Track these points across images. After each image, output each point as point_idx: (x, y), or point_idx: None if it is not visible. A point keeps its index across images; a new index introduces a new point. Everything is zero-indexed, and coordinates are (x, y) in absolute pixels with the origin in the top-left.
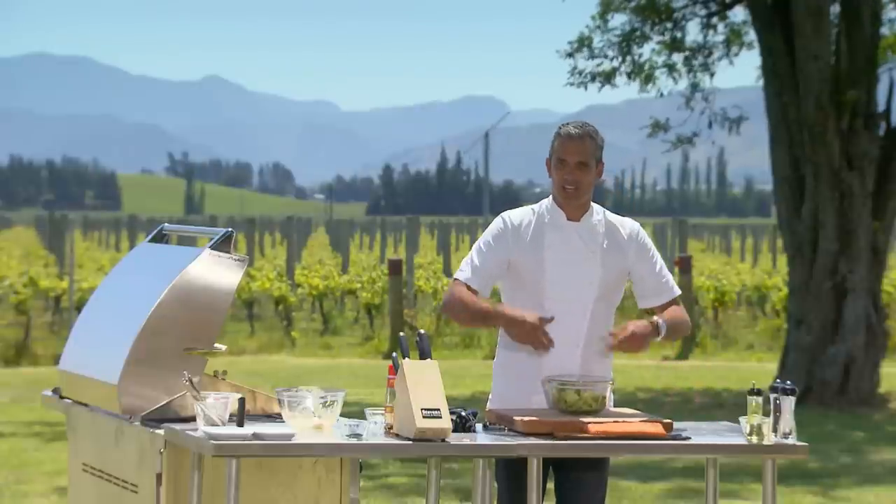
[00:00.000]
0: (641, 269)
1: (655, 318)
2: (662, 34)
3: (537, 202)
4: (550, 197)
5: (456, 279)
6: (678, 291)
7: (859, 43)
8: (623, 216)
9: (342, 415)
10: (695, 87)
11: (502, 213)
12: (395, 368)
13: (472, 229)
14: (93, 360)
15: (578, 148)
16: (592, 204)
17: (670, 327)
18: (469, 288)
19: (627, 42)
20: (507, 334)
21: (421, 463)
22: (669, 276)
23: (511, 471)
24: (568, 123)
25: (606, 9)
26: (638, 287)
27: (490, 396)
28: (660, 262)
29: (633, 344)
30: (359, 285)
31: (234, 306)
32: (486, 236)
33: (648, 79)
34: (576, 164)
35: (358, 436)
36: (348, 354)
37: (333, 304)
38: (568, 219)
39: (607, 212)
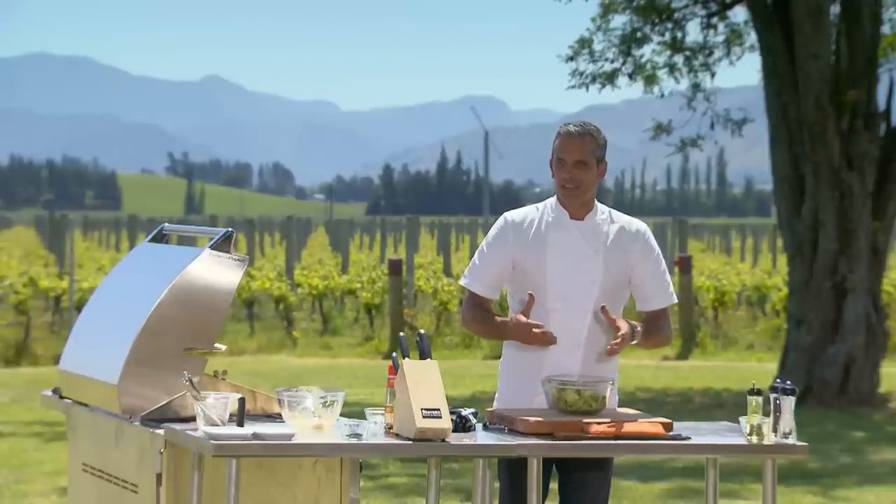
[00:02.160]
0: (643, 270)
1: (636, 323)
2: (663, 35)
3: (541, 202)
4: (555, 197)
5: (463, 286)
6: (675, 300)
7: (859, 43)
8: (631, 216)
9: (342, 415)
10: (696, 87)
11: (505, 213)
12: (395, 368)
13: (472, 229)
14: (93, 360)
15: (577, 146)
16: (598, 203)
17: (647, 335)
18: (475, 295)
19: (628, 43)
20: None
21: (421, 463)
22: (669, 283)
23: (513, 471)
24: (569, 123)
25: (607, 10)
26: (637, 289)
27: (495, 396)
28: (663, 266)
29: (619, 348)
30: (359, 285)
31: (234, 306)
32: (488, 237)
33: (651, 80)
34: (574, 162)
35: (358, 436)
36: (348, 354)
37: (333, 304)
38: (571, 217)
39: (614, 211)
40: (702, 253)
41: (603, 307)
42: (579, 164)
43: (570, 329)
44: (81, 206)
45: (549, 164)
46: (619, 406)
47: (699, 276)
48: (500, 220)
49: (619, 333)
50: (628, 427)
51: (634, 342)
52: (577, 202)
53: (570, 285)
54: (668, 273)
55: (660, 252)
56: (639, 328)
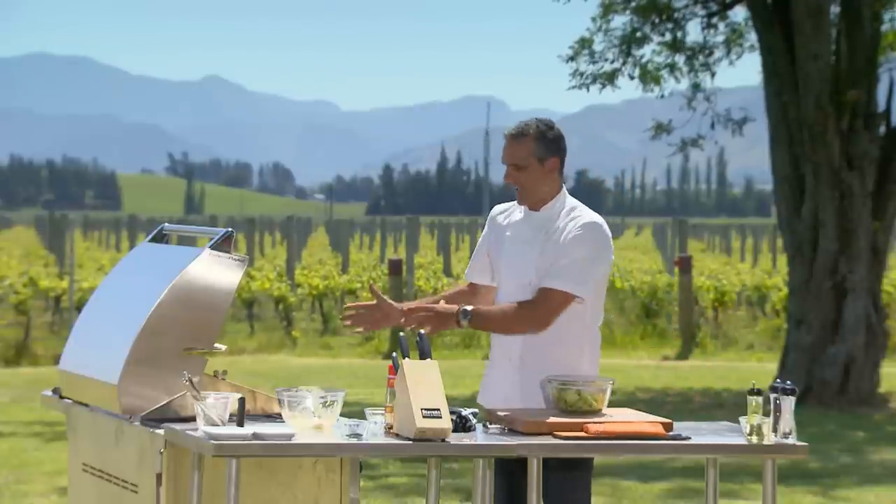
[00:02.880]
0: (558, 251)
1: (467, 307)
2: (663, 35)
3: None
4: None
5: None
6: (566, 288)
7: (859, 43)
8: (593, 212)
9: (342, 415)
10: (696, 87)
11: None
12: (395, 368)
13: (472, 229)
14: (93, 360)
15: (509, 150)
16: (565, 198)
17: (484, 318)
18: (471, 283)
19: (628, 43)
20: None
21: (421, 463)
22: (576, 275)
23: (506, 471)
24: (514, 125)
25: (607, 10)
26: None
27: None
28: (576, 255)
29: (421, 320)
30: (359, 285)
31: (234, 306)
32: None
33: (655, 80)
34: (509, 166)
35: (358, 436)
36: (348, 354)
37: (333, 304)
38: (530, 209)
39: (579, 207)
40: (702, 253)
41: (371, 285)
42: (513, 167)
43: None
44: (81, 206)
45: None
46: (617, 406)
47: (699, 276)
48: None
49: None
50: (628, 427)
51: (465, 326)
52: (527, 201)
53: (512, 273)
54: (583, 268)
55: (590, 246)
56: (464, 315)
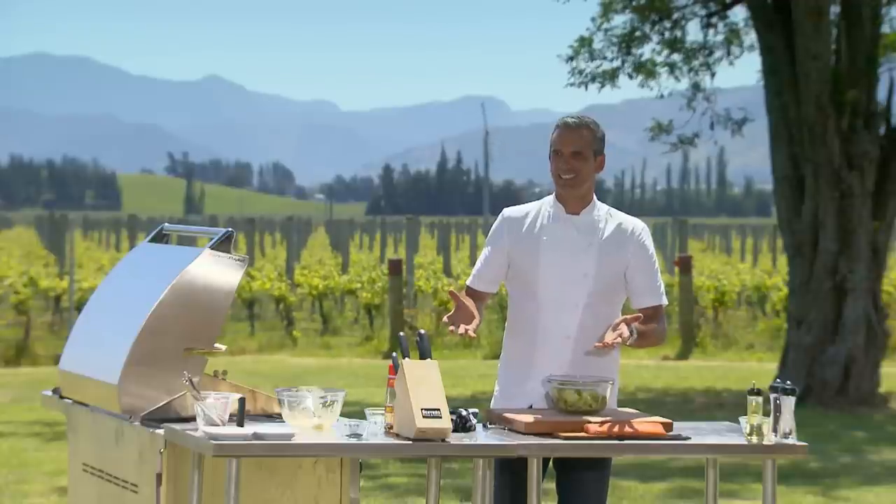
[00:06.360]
0: (635, 267)
1: (635, 326)
2: (662, 34)
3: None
4: (554, 193)
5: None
6: (664, 301)
7: (859, 43)
8: (630, 215)
9: (342, 415)
10: (696, 87)
11: (504, 209)
12: (395, 368)
13: (472, 229)
14: (93, 360)
15: (573, 138)
16: (597, 201)
17: (641, 335)
18: (473, 289)
19: (627, 43)
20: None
21: (421, 463)
22: (661, 283)
23: (508, 471)
24: (567, 116)
25: (607, 9)
26: (629, 285)
27: (493, 395)
28: (655, 266)
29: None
30: (359, 285)
31: (234, 306)
32: (489, 234)
33: (650, 74)
34: (570, 153)
35: (358, 436)
36: (348, 354)
37: (333, 304)
38: (567, 212)
39: (612, 209)
40: (702, 253)
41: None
42: (576, 154)
43: (560, 322)
44: (81, 206)
45: (549, 159)
46: (619, 406)
47: (699, 276)
48: (499, 217)
49: (617, 333)
50: (628, 427)
51: (629, 344)
52: (574, 194)
53: (562, 278)
54: (659, 274)
55: (654, 252)
56: (635, 333)
